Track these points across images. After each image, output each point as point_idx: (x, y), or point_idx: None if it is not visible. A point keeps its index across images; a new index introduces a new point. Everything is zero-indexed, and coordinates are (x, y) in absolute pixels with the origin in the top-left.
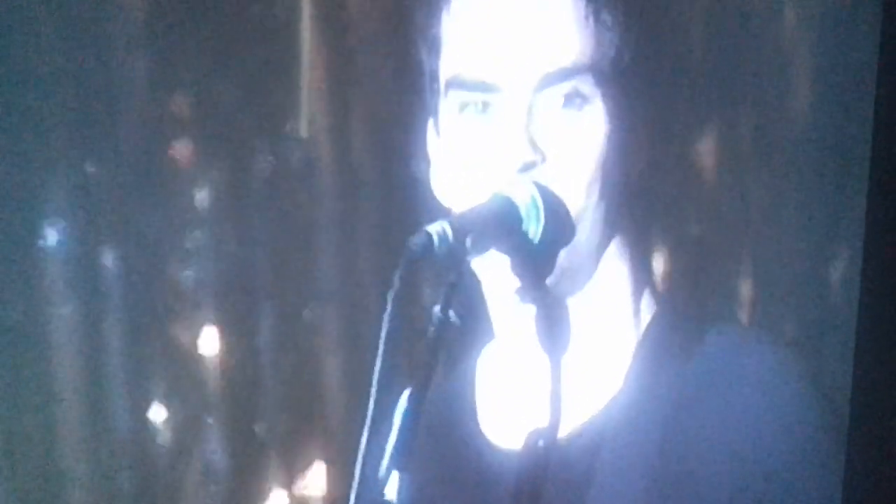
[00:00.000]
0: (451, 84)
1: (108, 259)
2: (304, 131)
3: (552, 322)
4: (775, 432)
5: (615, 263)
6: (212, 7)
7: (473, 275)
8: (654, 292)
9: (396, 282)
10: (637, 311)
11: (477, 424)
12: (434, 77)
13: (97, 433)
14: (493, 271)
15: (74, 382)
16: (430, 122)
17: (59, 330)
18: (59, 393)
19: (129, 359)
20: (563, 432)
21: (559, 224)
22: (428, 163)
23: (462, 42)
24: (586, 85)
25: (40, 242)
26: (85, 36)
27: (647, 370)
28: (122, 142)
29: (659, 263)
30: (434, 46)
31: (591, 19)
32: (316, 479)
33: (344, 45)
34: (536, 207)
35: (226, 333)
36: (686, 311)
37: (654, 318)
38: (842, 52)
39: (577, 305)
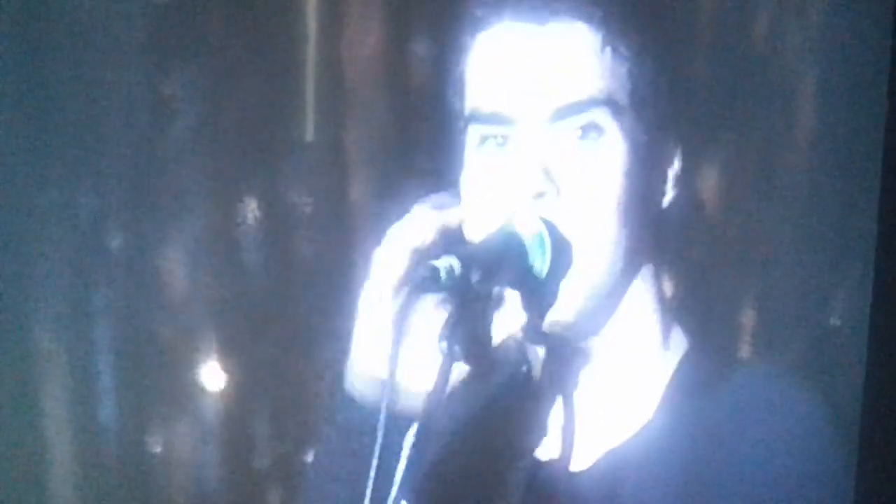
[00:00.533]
0: (470, 118)
1: (105, 277)
2: (309, 136)
3: (559, 362)
4: (798, 478)
5: (642, 297)
6: (217, 14)
7: (485, 307)
8: (685, 327)
9: (401, 315)
10: (667, 345)
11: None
12: (459, 115)
13: (93, 462)
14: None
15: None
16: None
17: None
18: (54, 419)
19: (127, 387)
20: (588, 459)
21: (565, 260)
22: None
23: (482, 77)
24: (603, 117)
25: (35, 270)
26: (85, 42)
27: (677, 406)
28: (119, 157)
29: (687, 297)
30: (458, 86)
31: (607, 51)
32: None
33: (349, 50)
34: (543, 243)
35: (227, 352)
36: (719, 347)
37: (686, 354)
38: (852, 76)
39: (603, 340)
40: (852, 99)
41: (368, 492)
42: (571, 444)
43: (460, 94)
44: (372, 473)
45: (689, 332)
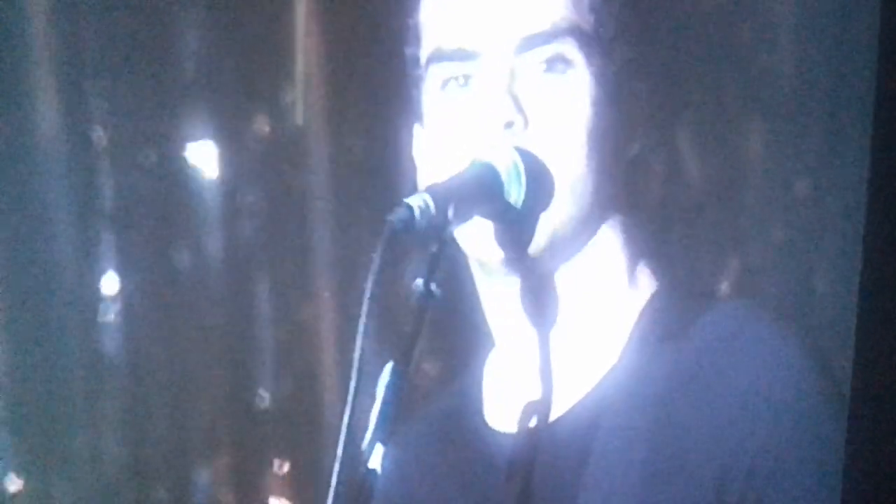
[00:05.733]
0: (431, 59)
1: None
2: (298, 118)
3: (537, 295)
4: (773, 408)
5: (610, 236)
6: None
7: (458, 249)
8: (653, 267)
9: (377, 257)
10: (634, 285)
11: (482, 415)
12: (416, 63)
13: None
14: (489, 279)
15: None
16: (416, 126)
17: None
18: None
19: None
20: (559, 408)
21: (541, 188)
22: (414, 168)
23: (440, 17)
24: (569, 49)
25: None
26: (75, 14)
27: (644, 345)
28: (115, 135)
29: (658, 238)
30: (414, 34)
31: None
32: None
33: (339, 30)
34: (518, 172)
35: (218, 315)
36: (689, 287)
37: (654, 294)
38: (839, 18)
39: (569, 276)
40: (839, 31)
41: (343, 435)
42: (550, 383)
43: (417, 41)
44: (346, 418)
45: (658, 272)
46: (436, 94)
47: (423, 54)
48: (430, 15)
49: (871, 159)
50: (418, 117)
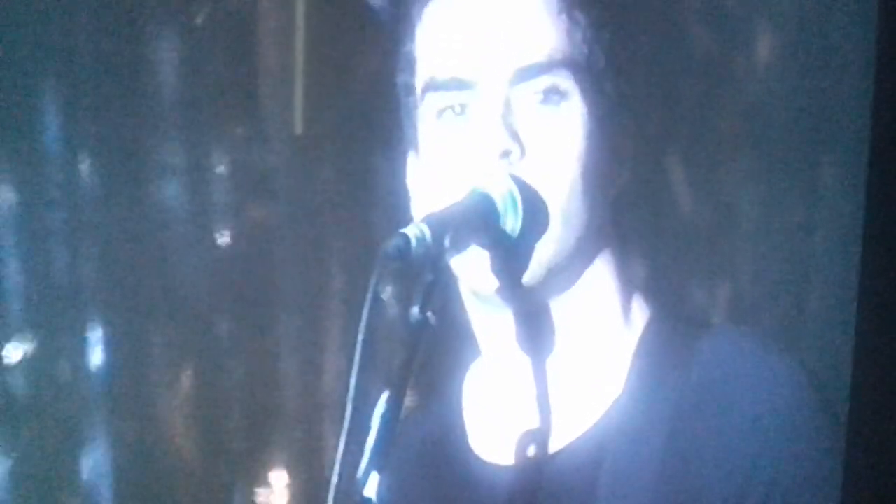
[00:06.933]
0: (426, 88)
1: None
2: (297, 128)
3: (533, 323)
4: (776, 436)
5: (603, 267)
6: (207, 7)
7: (452, 276)
8: (646, 295)
9: (372, 286)
10: (629, 316)
11: (466, 442)
12: (410, 91)
13: None
14: (483, 308)
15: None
16: (410, 155)
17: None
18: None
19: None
20: (563, 440)
21: (537, 218)
22: (408, 196)
23: (436, 46)
24: (564, 80)
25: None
26: (71, 26)
27: (646, 375)
28: (109, 139)
29: (648, 266)
30: (408, 62)
31: (564, 15)
32: (279, 485)
33: (340, 41)
34: (514, 202)
35: (199, 332)
36: (681, 314)
37: (649, 323)
38: (831, 47)
39: (566, 308)
40: (832, 61)
41: (337, 465)
42: (548, 412)
43: (411, 69)
44: (341, 446)
45: (650, 300)
46: (432, 122)
47: (418, 83)
48: (425, 44)
49: (867, 186)
50: (412, 145)
